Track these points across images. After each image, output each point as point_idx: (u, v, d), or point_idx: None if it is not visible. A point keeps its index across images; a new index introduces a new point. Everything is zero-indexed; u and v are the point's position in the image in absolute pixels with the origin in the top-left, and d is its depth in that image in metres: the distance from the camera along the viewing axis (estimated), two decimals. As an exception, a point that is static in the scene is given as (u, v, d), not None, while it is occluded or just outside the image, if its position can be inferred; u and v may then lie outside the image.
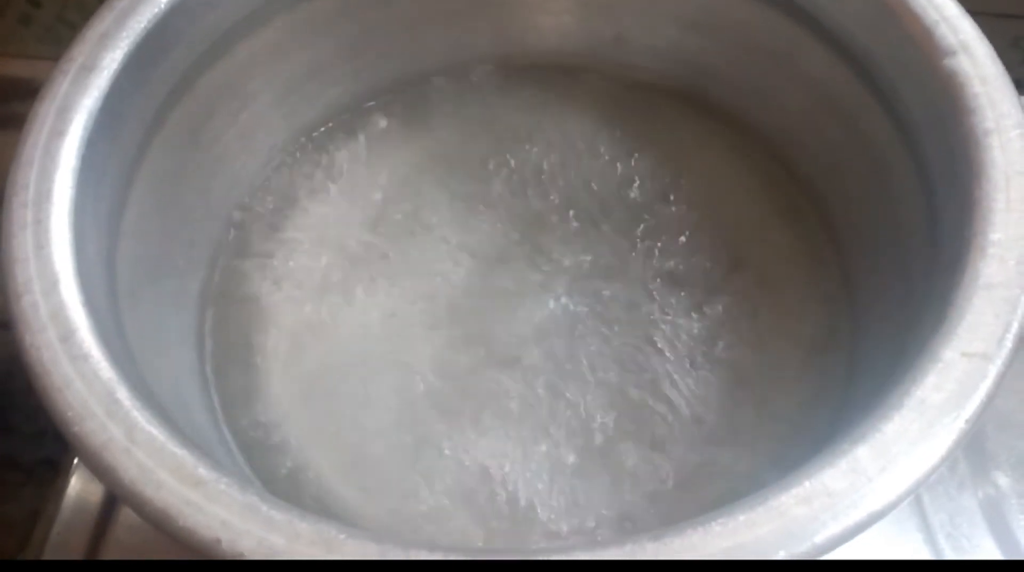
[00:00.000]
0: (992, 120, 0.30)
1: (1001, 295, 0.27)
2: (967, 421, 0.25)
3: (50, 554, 0.43)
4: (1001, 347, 0.26)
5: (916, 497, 0.43)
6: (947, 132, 0.31)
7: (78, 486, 0.45)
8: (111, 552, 0.43)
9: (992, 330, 0.26)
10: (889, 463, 0.24)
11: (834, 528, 0.23)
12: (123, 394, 0.26)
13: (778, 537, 0.23)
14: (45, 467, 0.66)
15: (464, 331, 0.39)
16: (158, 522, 0.24)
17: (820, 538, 0.23)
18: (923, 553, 0.41)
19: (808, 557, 0.23)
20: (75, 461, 0.45)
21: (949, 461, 0.24)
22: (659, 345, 0.39)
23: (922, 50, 0.32)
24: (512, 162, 0.44)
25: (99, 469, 0.25)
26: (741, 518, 0.23)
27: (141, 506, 0.24)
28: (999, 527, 0.42)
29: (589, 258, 0.41)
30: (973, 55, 0.31)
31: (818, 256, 0.40)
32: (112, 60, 0.33)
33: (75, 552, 0.43)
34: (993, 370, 0.26)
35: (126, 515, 0.44)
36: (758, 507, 0.23)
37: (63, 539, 0.44)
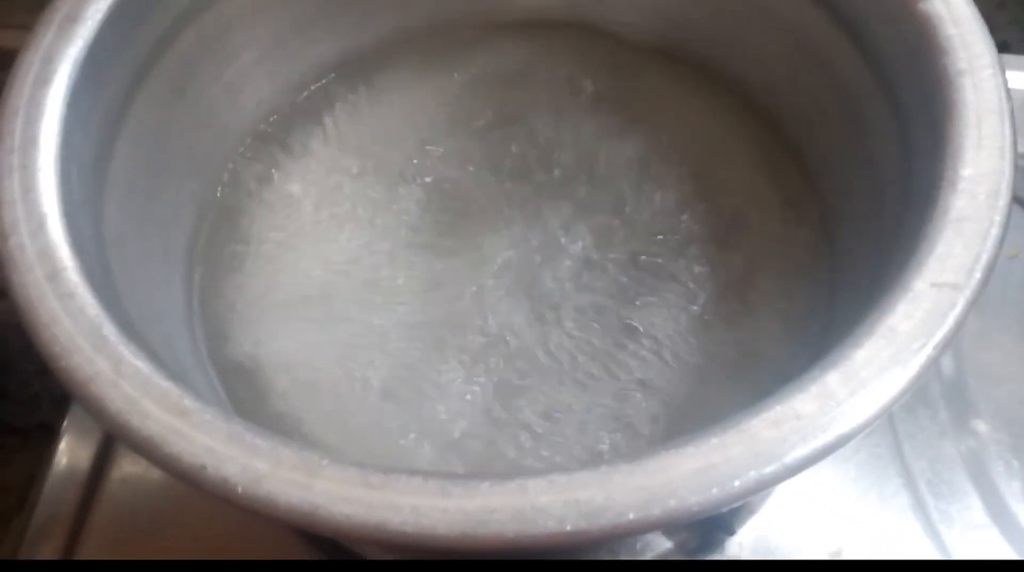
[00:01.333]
0: (965, 60, 0.30)
1: (971, 228, 0.27)
2: (935, 348, 0.25)
3: (42, 510, 0.44)
4: (970, 277, 0.26)
5: (897, 445, 0.43)
6: (921, 73, 0.31)
7: (70, 444, 0.45)
8: (104, 507, 0.44)
9: (961, 261, 0.27)
10: (858, 388, 0.25)
11: (803, 449, 0.24)
12: (109, 330, 0.27)
13: (748, 458, 0.24)
14: (41, 432, 0.67)
15: (441, 274, 0.40)
16: (145, 450, 0.25)
17: (789, 459, 0.24)
18: (903, 498, 0.42)
19: (777, 477, 0.24)
20: (65, 423, 0.46)
21: (916, 386, 0.25)
22: (639, 292, 0.39)
23: (897, -7, 0.32)
24: (494, 119, 0.45)
25: (86, 401, 0.25)
26: (713, 441, 0.24)
27: (128, 435, 0.25)
28: (978, 474, 0.43)
29: (570, 210, 0.41)
30: (947, -2, 0.32)
31: (798, 201, 0.41)
32: (96, 11, 0.33)
33: (68, 506, 0.44)
34: (962, 299, 0.26)
35: (118, 469, 0.44)
36: (729, 430, 0.24)
37: (56, 494, 0.44)
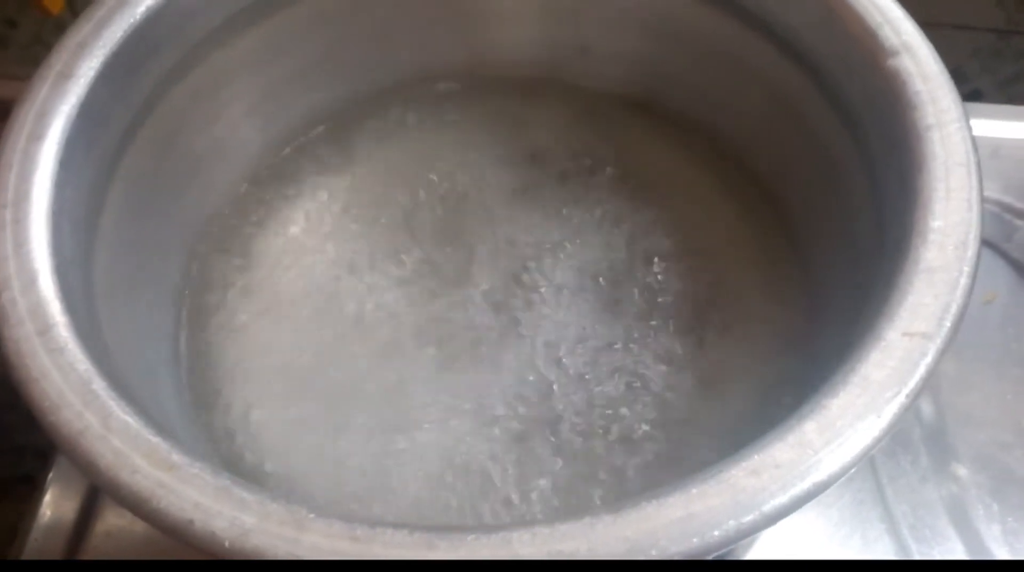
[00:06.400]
0: (933, 115, 0.32)
1: (941, 278, 0.28)
2: (908, 396, 0.26)
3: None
4: (941, 327, 0.27)
5: (879, 489, 0.44)
6: (891, 127, 0.32)
7: (55, 496, 0.45)
8: (89, 560, 0.43)
9: (932, 311, 0.27)
10: (834, 436, 0.25)
11: (781, 498, 0.24)
12: (99, 385, 0.27)
13: (729, 507, 0.24)
14: (23, 484, 0.66)
15: (428, 337, 0.40)
16: (133, 505, 0.25)
17: (768, 507, 0.24)
18: (886, 542, 0.42)
19: (756, 526, 0.24)
20: (50, 476, 0.46)
21: (891, 434, 0.26)
22: (621, 345, 0.40)
23: (867, 51, 0.34)
24: (480, 172, 0.45)
25: (75, 456, 0.26)
26: (694, 491, 0.24)
27: (116, 490, 0.25)
28: (959, 518, 0.43)
29: (556, 264, 0.42)
30: (915, 55, 0.33)
31: (775, 251, 0.42)
32: (89, 68, 0.34)
33: (52, 559, 0.43)
34: (933, 348, 0.27)
35: (103, 522, 0.44)
36: (710, 480, 0.25)
37: (40, 547, 0.44)
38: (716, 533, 0.24)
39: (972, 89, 0.73)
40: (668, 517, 0.24)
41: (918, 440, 0.45)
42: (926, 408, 0.46)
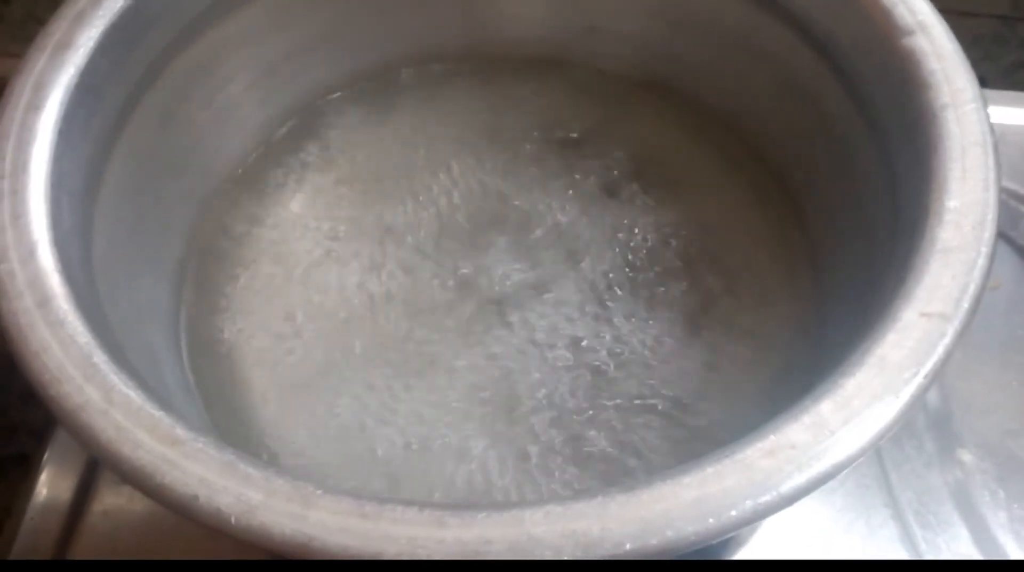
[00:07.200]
0: (948, 95, 0.31)
1: (958, 258, 0.28)
2: (926, 377, 0.26)
3: (21, 543, 0.43)
4: (959, 307, 0.27)
5: (884, 476, 0.43)
6: (906, 107, 0.32)
7: (51, 475, 0.45)
8: (85, 540, 0.43)
9: (949, 291, 0.27)
10: (851, 416, 0.25)
11: (798, 479, 0.24)
12: (100, 358, 0.26)
13: (744, 488, 0.24)
14: (18, 463, 0.66)
15: (428, 320, 0.40)
16: (136, 481, 0.24)
17: (785, 488, 0.24)
18: (890, 528, 0.42)
19: (773, 507, 0.24)
20: (46, 454, 0.45)
21: (909, 416, 0.25)
22: (629, 327, 0.39)
23: (881, 30, 0.33)
24: (483, 153, 0.45)
25: (76, 430, 0.25)
26: (709, 470, 0.24)
27: (119, 465, 0.25)
28: (964, 504, 0.43)
29: (561, 247, 0.42)
30: (930, 34, 0.32)
31: (785, 234, 0.41)
32: (88, 38, 0.33)
33: (48, 540, 0.43)
34: (951, 329, 0.26)
35: (100, 502, 0.44)
36: (725, 460, 0.24)
37: (36, 526, 0.44)
38: (733, 513, 0.23)
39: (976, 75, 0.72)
40: (684, 497, 0.23)
41: (923, 426, 0.45)
42: (931, 394, 0.45)
